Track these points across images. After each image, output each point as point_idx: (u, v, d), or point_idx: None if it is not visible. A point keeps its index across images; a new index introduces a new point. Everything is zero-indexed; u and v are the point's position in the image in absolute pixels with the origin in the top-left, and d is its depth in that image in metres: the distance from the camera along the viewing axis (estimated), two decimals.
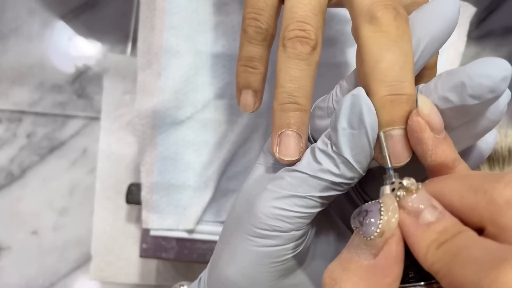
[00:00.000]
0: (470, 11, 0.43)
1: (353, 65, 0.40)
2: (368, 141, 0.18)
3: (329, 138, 0.19)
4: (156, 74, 0.38)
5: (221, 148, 0.39)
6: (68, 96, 0.50)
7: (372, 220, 0.16)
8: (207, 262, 0.25)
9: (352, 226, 0.16)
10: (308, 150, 0.20)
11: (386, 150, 0.18)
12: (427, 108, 0.17)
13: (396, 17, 0.18)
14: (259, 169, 0.22)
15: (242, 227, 0.21)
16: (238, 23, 0.40)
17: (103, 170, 0.49)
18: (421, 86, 0.19)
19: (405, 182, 0.16)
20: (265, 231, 0.20)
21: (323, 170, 0.19)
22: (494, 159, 0.43)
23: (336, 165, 0.18)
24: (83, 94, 0.50)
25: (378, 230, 0.15)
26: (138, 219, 0.48)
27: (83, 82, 0.50)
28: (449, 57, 0.42)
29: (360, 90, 0.18)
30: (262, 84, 0.26)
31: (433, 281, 0.16)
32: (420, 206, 0.16)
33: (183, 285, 0.31)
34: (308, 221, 0.20)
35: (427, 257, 0.15)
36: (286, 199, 0.19)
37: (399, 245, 0.16)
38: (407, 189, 0.16)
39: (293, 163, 0.20)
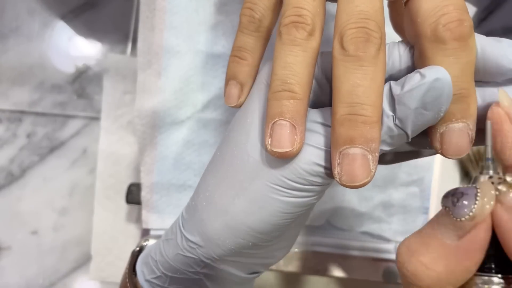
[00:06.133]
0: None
1: None
2: (433, 122, 0.18)
3: (392, 111, 0.18)
4: (156, 74, 0.38)
5: None
6: (68, 96, 0.50)
7: (466, 202, 0.16)
8: None
9: (442, 205, 0.17)
10: None
11: (490, 141, 0.18)
12: (508, 100, 0.18)
13: (366, 42, 0.18)
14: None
15: (270, 177, 0.20)
16: (238, 23, 0.40)
17: (103, 170, 0.49)
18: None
19: (509, 178, 0.16)
20: (302, 185, 0.20)
21: None
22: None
23: (391, 136, 0.18)
24: (83, 94, 0.50)
25: (470, 213, 0.15)
26: (138, 219, 0.48)
27: (83, 82, 0.50)
28: None
29: (445, 74, 0.17)
30: (250, 77, 0.24)
31: (510, 276, 0.16)
32: None
33: (147, 240, 0.30)
34: None
35: None
36: (329, 157, 0.19)
37: (487, 233, 0.16)
38: (510, 186, 0.16)
39: (285, 156, 0.19)
